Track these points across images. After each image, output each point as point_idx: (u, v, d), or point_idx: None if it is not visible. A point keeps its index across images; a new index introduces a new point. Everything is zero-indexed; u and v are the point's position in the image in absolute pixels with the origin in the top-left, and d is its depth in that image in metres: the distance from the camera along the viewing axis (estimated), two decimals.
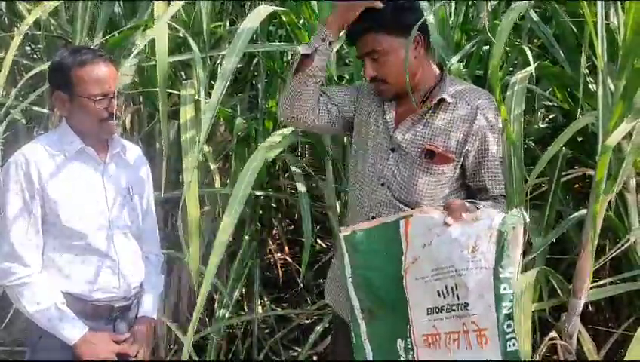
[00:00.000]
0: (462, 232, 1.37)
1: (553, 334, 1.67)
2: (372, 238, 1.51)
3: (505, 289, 1.32)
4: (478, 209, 1.48)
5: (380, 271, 1.50)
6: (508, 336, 1.32)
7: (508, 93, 1.64)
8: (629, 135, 1.44)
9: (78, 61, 1.59)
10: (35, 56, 3.10)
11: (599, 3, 1.51)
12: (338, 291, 1.74)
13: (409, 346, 1.46)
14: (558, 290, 1.81)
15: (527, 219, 1.35)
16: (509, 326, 1.32)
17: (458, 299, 1.36)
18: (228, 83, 1.65)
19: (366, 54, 1.58)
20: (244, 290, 2.93)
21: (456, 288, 1.36)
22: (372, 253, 1.51)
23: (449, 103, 1.58)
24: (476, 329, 1.34)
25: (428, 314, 1.41)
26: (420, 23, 1.48)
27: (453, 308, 1.37)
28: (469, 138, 1.55)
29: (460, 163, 1.58)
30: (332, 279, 1.83)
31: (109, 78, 1.61)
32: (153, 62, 2.09)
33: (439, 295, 1.39)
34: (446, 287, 1.38)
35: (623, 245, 1.61)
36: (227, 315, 2.54)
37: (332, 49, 1.64)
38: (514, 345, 1.32)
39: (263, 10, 1.87)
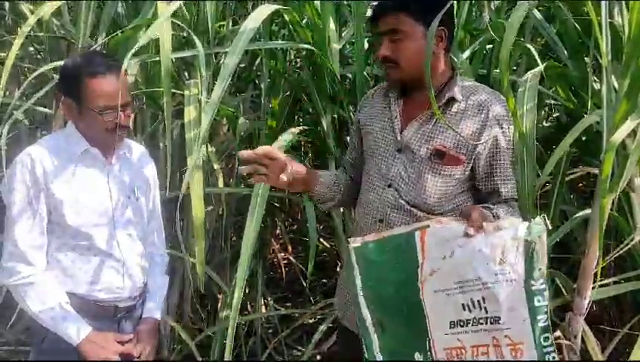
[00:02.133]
0: (485, 243, 1.32)
1: (557, 333, 1.66)
2: (384, 250, 1.44)
3: (539, 301, 1.29)
4: (493, 216, 1.46)
5: (392, 283, 1.44)
6: (546, 349, 1.29)
7: (520, 89, 1.63)
8: (634, 133, 1.44)
9: (90, 72, 1.58)
10: (38, 56, 3.10)
11: (603, 2, 1.50)
12: (346, 304, 1.72)
13: (429, 359, 1.40)
14: (563, 290, 1.80)
15: (550, 228, 1.31)
16: (545, 339, 1.29)
17: (487, 312, 1.32)
18: (230, 82, 1.65)
19: (385, 33, 1.56)
20: (247, 290, 2.94)
21: (484, 301, 1.32)
22: (384, 265, 1.45)
23: (459, 103, 1.56)
24: (510, 343, 1.31)
25: (451, 327, 1.36)
26: (441, 15, 1.41)
27: (481, 321, 1.33)
28: (481, 139, 1.53)
29: (471, 165, 1.55)
30: (340, 290, 1.83)
31: (119, 91, 1.56)
32: (157, 59, 2.10)
33: (464, 308, 1.34)
34: (472, 301, 1.33)
35: (627, 244, 1.60)
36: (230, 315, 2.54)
37: (321, 191, 1.72)
38: (553, 358, 1.29)
39: (265, 9, 1.86)
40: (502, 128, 1.54)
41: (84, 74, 1.58)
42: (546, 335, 1.29)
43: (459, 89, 1.57)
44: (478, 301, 1.33)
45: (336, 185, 1.76)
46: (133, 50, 1.61)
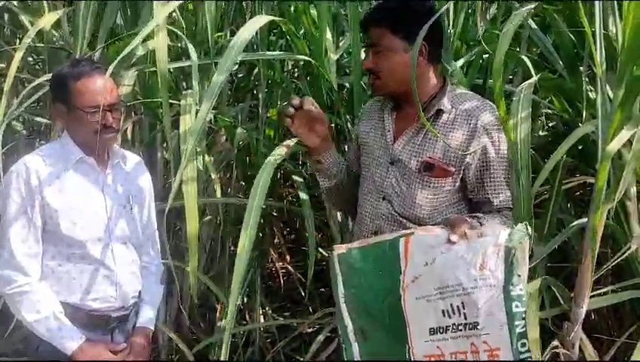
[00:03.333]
0: (467, 249, 1.34)
1: (555, 343, 1.66)
2: (368, 256, 1.46)
3: (517, 306, 1.30)
4: (481, 224, 1.46)
5: (375, 290, 1.45)
6: (523, 356, 1.30)
7: (514, 99, 1.64)
8: (629, 143, 1.44)
9: (75, 73, 1.61)
10: (37, 66, 3.11)
11: (597, 12, 1.51)
12: None
13: None
14: (560, 299, 1.80)
15: (531, 233, 1.33)
16: (522, 344, 1.30)
17: (465, 318, 1.33)
18: (228, 92, 1.65)
19: (370, 45, 1.61)
20: (245, 299, 2.93)
21: (464, 307, 1.33)
22: (367, 272, 1.46)
23: (448, 113, 1.56)
24: (487, 349, 1.32)
25: (431, 334, 1.37)
26: (423, 32, 1.43)
27: (460, 327, 1.34)
28: (469, 148, 1.53)
29: (460, 176, 1.56)
30: None
31: (104, 91, 1.61)
32: (153, 69, 2.11)
33: (444, 314, 1.35)
34: (452, 306, 1.34)
35: (624, 253, 1.60)
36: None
37: (330, 162, 1.73)
38: None
39: (259, 20, 1.87)
40: (491, 137, 1.54)
41: (69, 77, 1.61)
42: (523, 341, 1.30)
43: (448, 99, 1.58)
44: (458, 306, 1.34)
45: (342, 164, 1.77)
46: (126, 51, 1.63)
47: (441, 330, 1.36)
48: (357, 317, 1.47)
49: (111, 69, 1.62)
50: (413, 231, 1.43)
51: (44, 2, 2.45)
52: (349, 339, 1.47)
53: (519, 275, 1.30)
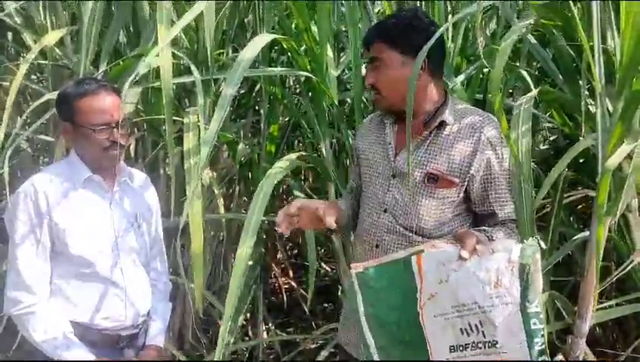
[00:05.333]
0: (480, 267, 1.32)
1: (560, 357, 1.65)
2: (383, 275, 1.44)
3: (535, 324, 1.29)
4: (489, 238, 1.46)
5: (393, 308, 1.44)
6: None
7: (514, 113, 1.65)
8: (629, 156, 1.45)
9: (81, 92, 1.63)
10: (41, 85, 3.13)
11: (594, 26, 1.53)
12: (351, 331, 1.71)
13: None
14: (564, 312, 1.80)
15: (544, 247, 1.33)
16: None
17: (484, 336, 1.32)
18: (229, 109, 1.67)
19: (370, 60, 1.63)
20: (248, 315, 2.92)
21: (482, 325, 1.32)
22: (384, 290, 1.45)
23: (451, 126, 1.58)
24: None
25: (451, 351, 1.36)
26: (421, 44, 1.45)
27: (480, 345, 1.33)
28: (474, 161, 1.54)
29: (465, 187, 1.56)
30: (345, 318, 1.81)
31: (111, 108, 1.63)
32: (157, 86, 2.12)
33: (462, 332, 1.34)
34: (469, 325, 1.33)
35: (626, 267, 1.60)
36: (232, 341, 2.53)
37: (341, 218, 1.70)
38: None
39: (262, 39, 1.89)
40: (495, 150, 1.55)
41: (75, 95, 1.63)
42: (543, 357, 1.30)
43: (450, 112, 1.59)
44: (476, 325, 1.33)
45: (351, 211, 1.80)
46: (133, 76, 1.65)
47: (461, 348, 1.35)
48: (377, 335, 1.46)
49: (126, 92, 1.63)
50: (423, 248, 1.41)
51: (47, 18, 2.47)
52: (372, 356, 1.46)
53: (534, 289, 1.30)
